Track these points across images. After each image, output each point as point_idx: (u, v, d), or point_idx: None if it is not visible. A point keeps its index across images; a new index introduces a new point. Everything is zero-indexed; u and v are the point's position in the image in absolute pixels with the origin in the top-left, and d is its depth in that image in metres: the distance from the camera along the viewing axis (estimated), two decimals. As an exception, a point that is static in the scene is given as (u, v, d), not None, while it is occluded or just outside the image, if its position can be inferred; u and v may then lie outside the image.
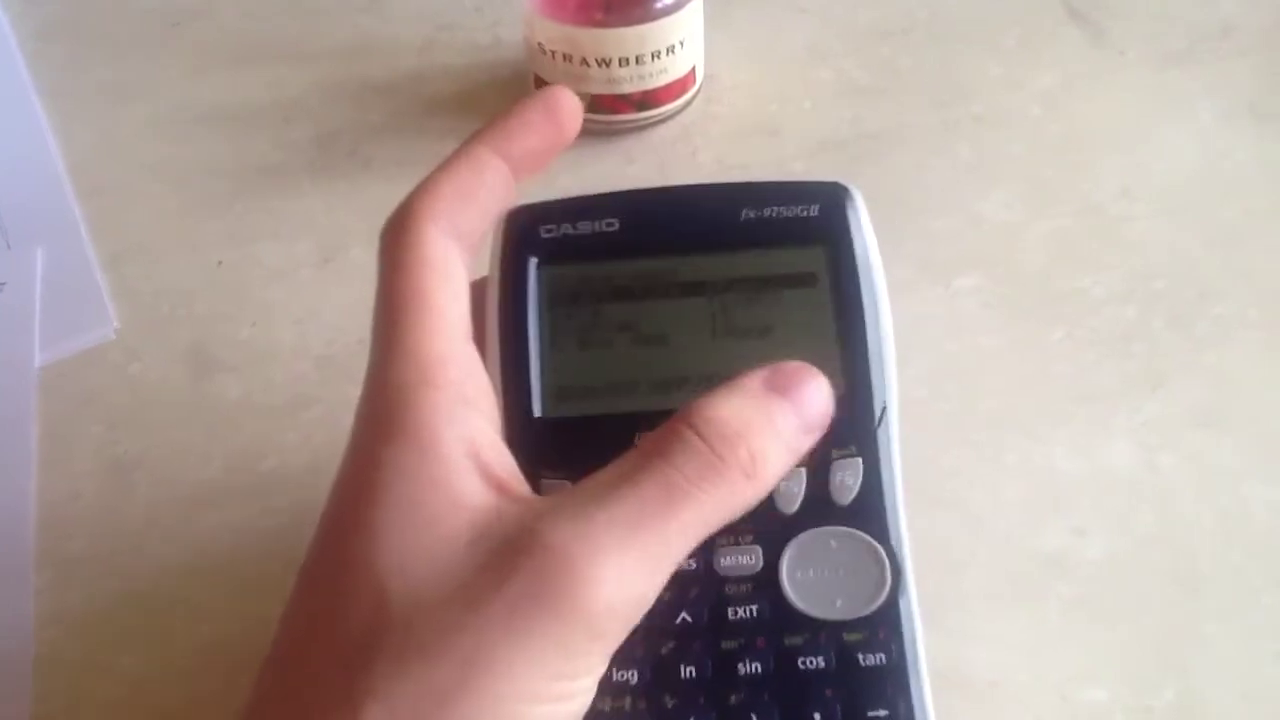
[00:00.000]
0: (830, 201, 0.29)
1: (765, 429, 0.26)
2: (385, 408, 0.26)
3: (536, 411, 0.28)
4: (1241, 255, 0.50)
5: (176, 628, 0.40)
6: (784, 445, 0.26)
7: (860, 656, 0.26)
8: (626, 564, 0.24)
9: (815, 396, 0.26)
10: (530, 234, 0.29)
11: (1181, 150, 0.55)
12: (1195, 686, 0.37)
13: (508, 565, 0.23)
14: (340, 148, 0.57)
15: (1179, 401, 0.45)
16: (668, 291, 0.29)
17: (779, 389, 0.26)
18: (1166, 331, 0.47)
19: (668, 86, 0.55)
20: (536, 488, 0.27)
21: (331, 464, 0.27)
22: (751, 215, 0.29)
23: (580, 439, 0.28)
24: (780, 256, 0.29)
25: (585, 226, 0.29)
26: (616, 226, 0.29)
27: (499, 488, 0.25)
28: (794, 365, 0.27)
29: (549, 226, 0.29)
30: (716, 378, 0.27)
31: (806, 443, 0.26)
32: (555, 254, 0.29)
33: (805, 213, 0.29)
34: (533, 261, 0.29)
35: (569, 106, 0.30)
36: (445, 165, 0.29)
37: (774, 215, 0.29)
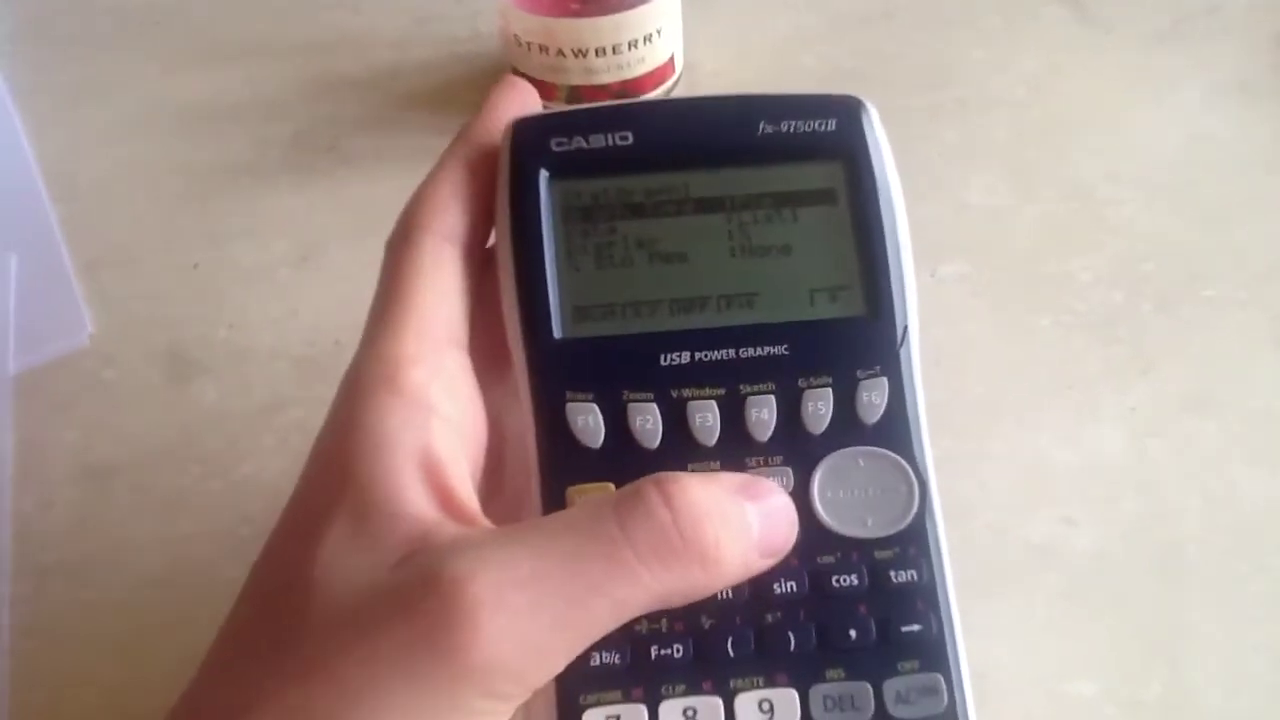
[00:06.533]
0: (847, 115, 0.29)
1: (736, 521, 0.24)
2: (347, 410, 0.25)
3: (557, 333, 0.28)
4: (1230, 236, 0.49)
5: (154, 637, 0.39)
6: (745, 549, 0.24)
7: (892, 574, 0.26)
8: (534, 628, 0.22)
9: (782, 517, 0.25)
10: (540, 146, 0.29)
11: (1168, 131, 0.54)
12: (1183, 678, 0.37)
13: (414, 598, 0.22)
14: (318, 144, 0.56)
15: (1168, 386, 0.44)
16: (685, 208, 0.29)
17: (751, 495, 0.25)
18: (1155, 315, 0.47)
19: (647, 75, 0.55)
20: (561, 409, 0.27)
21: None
22: (769, 130, 0.29)
23: (604, 359, 0.27)
24: (798, 172, 0.29)
25: (598, 140, 0.29)
26: (630, 140, 0.29)
27: (445, 502, 0.25)
28: (769, 482, 0.26)
29: (560, 139, 0.29)
30: (738, 297, 0.28)
31: (758, 563, 0.25)
32: (568, 168, 0.29)
33: (822, 127, 0.29)
34: (544, 175, 0.29)
35: (525, 86, 0.31)
36: (436, 169, 0.29)
37: (791, 130, 0.29)
